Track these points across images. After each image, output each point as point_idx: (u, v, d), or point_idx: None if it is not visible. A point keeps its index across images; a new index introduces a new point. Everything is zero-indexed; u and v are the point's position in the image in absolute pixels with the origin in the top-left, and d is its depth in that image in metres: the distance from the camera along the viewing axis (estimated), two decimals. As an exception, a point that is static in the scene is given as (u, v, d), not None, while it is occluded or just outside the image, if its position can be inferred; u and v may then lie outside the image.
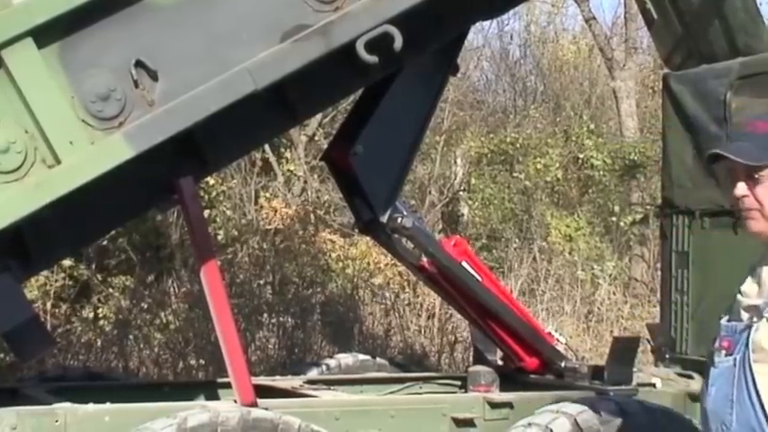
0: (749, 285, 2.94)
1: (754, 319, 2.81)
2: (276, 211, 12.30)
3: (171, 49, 4.34)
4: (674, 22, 6.59)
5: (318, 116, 13.34)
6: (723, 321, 2.97)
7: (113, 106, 4.25)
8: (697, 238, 6.66)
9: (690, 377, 6.38)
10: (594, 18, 16.99)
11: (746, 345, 2.80)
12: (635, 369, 6.09)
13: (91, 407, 4.82)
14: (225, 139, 5.25)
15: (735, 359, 2.83)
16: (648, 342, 7.11)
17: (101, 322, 10.59)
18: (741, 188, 2.88)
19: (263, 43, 4.47)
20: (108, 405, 4.88)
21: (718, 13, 6.35)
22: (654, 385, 6.15)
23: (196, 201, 5.16)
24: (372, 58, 4.52)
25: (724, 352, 2.89)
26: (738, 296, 2.95)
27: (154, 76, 4.30)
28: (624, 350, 6.02)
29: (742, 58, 6.46)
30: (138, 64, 4.26)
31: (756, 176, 2.87)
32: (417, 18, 4.77)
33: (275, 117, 5.49)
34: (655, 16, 6.62)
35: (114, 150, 4.24)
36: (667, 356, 6.71)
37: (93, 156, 4.22)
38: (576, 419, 5.09)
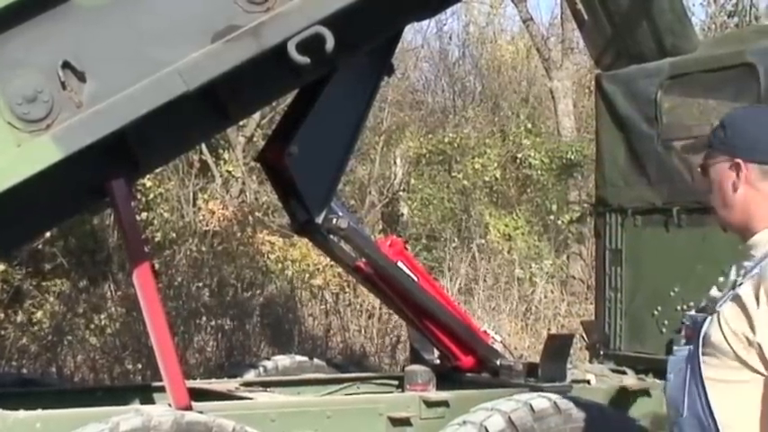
0: (722, 279, 2.99)
1: (711, 313, 2.86)
2: (214, 213, 12.24)
3: (99, 51, 4.29)
4: (604, 23, 6.65)
5: (256, 117, 13.31)
6: (689, 312, 3.02)
7: (40, 108, 4.19)
8: (630, 236, 6.74)
9: (623, 373, 6.46)
10: (532, 19, 17.10)
11: (699, 336, 2.85)
12: (569, 366, 6.13)
13: (22, 413, 4.76)
14: (157, 141, 5.21)
15: (689, 349, 2.87)
16: (583, 339, 7.18)
17: (35, 327, 10.47)
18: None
19: (194, 44, 4.43)
20: (39, 411, 4.83)
21: (646, 14, 6.42)
22: (588, 381, 6.21)
23: (128, 203, 5.12)
24: (304, 59, 4.50)
25: (684, 341, 2.93)
26: (713, 289, 3.00)
27: (81, 77, 4.25)
28: (558, 347, 6.07)
29: (671, 58, 6.55)
30: (66, 65, 4.21)
31: (703, 169, 2.98)
32: (350, 18, 4.76)
33: (208, 118, 5.46)
34: (585, 17, 6.68)
35: (42, 153, 4.19)
36: (601, 353, 6.78)
37: (19, 158, 4.17)
38: (510, 417, 5.13)
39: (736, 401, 2.78)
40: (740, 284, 2.81)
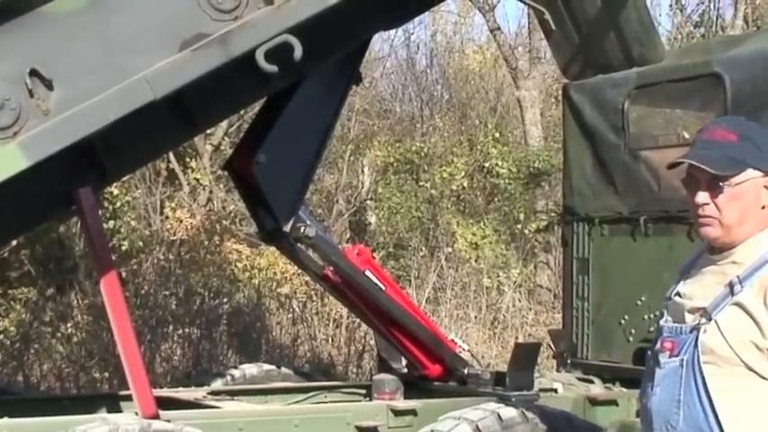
0: (689, 288, 2.97)
1: (703, 321, 2.84)
2: (181, 222, 12.20)
3: (67, 58, 4.28)
4: (572, 33, 6.68)
5: (224, 125, 13.29)
6: (663, 323, 2.99)
7: (8, 116, 4.17)
8: (597, 244, 6.77)
9: (590, 382, 6.49)
10: (499, 28, 17.14)
11: (695, 346, 2.84)
12: (536, 374, 6.16)
13: (-13, 422, 4.74)
14: (125, 149, 5.20)
15: (682, 360, 2.86)
16: (551, 348, 7.20)
17: (1, 336, 10.39)
18: (703, 196, 2.88)
19: (162, 52, 4.43)
20: (5, 420, 4.80)
21: (613, 24, 6.45)
22: (555, 390, 6.23)
23: (95, 211, 5.10)
24: (272, 68, 4.51)
25: (668, 353, 2.91)
26: (677, 298, 2.98)
27: (49, 85, 4.23)
28: (526, 356, 6.08)
29: (638, 68, 6.59)
30: (33, 73, 4.19)
31: (720, 185, 2.87)
32: (318, 27, 4.77)
33: (176, 126, 5.45)
34: (553, 27, 6.71)
35: (8, 161, 4.17)
36: (569, 362, 6.80)
37: (-14, 166, 4.15)
38: (477, 425, 5.13)
39: (743, 408, 2.78)
40: (739, 292, 2.80)
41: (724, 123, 3.00)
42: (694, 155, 2.90)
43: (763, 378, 2.76)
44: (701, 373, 2.81)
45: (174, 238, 12.11)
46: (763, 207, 2.88)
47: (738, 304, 2.79)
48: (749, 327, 2.76)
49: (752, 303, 2.77)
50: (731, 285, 2.82)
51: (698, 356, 2.82)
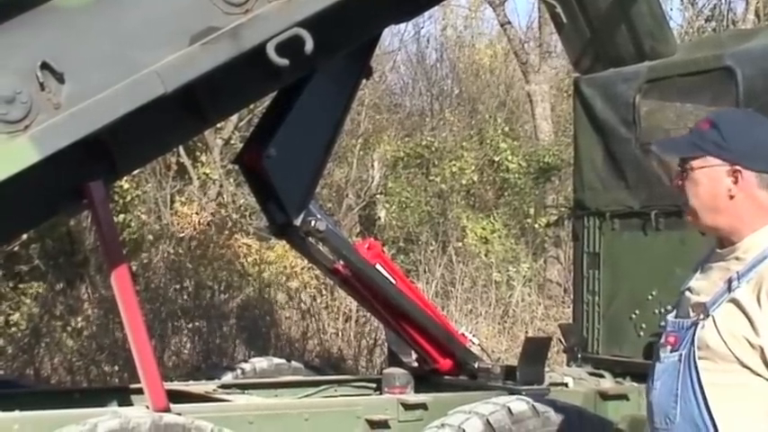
0: (698, 283, 2.96)
1: (701, 317, 2.83)
2: (191, 216, 12.20)
3: (78, 52, 4.29)
4: (583, 27, 6.67)
5: (234, 119, 13.28)
6: (670, 317, 2.99)
7: (19, 109, 4.18)
8: (607, 239, 6.76)
9: (601, 376, 6.48)
10: (510, 22, 17.10)
11: (692, 341, 2.83)
12: (547, 369, 6.15)
13: (-1, 415, 4.74)
14: (135, 143, 5.19)
15: (680, 355, 2.85)
16: (561, 342, 7.19)
17: (12, 329, 10.42)
18: (675, 182, 2.91)
19: (172, 46, 4.43)
20: (16, 413, 4.81)
21: (625, 17, 6.44)
22: (566, 384, 6.23)
23: (106, 205, 5.10)
24: (283, 61, 4.52)
25: (670, 347, 2.91)
26: (687, 293, 2.97)
27: (60, 78, 4.24)
28: (536, 350, 6.08)
29: (649, 62, 6.57)
30: (44, 66, 4.20)
31: (684, 171, 2.87)
32: (329, 21, 4.78)
33: (186, 120, 5.45)
34: (564, 20, 6.70)
35: (20, 154, 4.17)
36: (579, 356, 6.79)
37: (-3, 159, 4.16)
38: (488, 419, 5.14)
39: (736, 404, 2.77)
40: (736, 288, 2.80)
41: (714, 113, 2.98)
42: (662, 140, 2.92)
43: (757, 375, 2.75)
44: (696, 368, 2.81)
45: (184, 232, 12.12)
46: (731, 197, 2.83)
47: (734, 300, 2.78)
48: (743, 323, 2.75)
49: (746, 300, 2.76)
50: (729, 281, 2.82)
51: (694, 352, 2.82)
